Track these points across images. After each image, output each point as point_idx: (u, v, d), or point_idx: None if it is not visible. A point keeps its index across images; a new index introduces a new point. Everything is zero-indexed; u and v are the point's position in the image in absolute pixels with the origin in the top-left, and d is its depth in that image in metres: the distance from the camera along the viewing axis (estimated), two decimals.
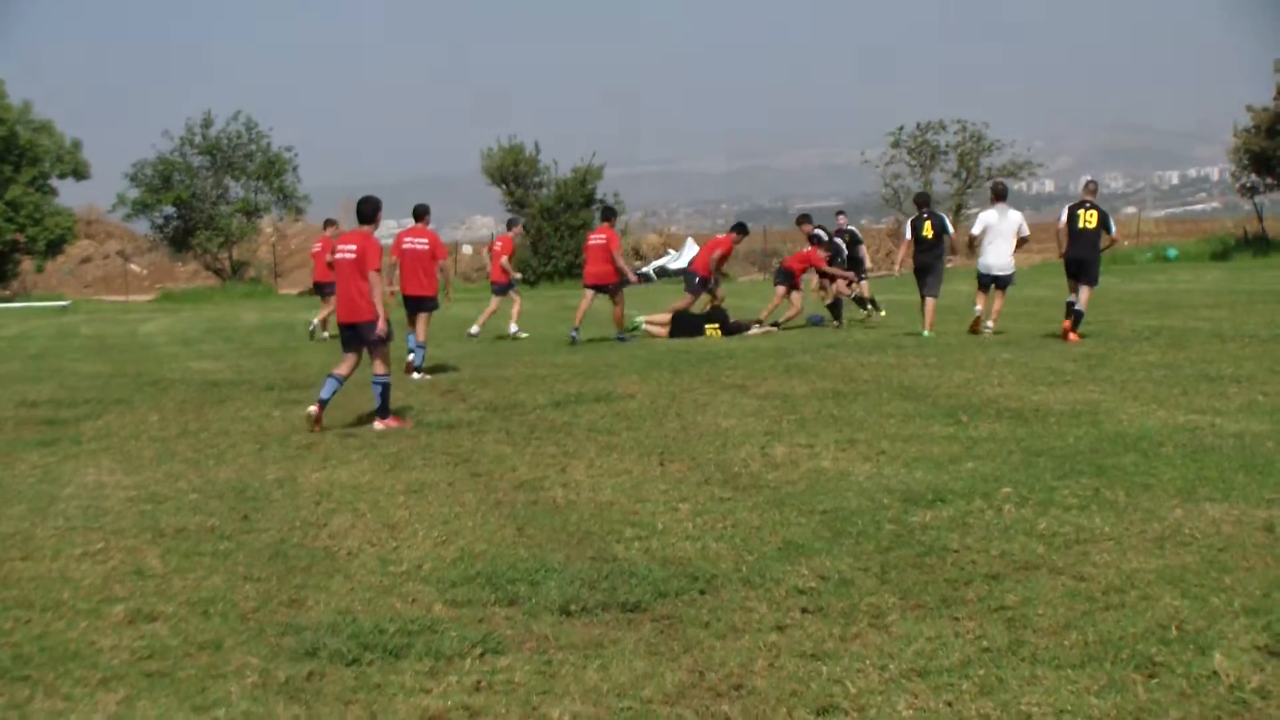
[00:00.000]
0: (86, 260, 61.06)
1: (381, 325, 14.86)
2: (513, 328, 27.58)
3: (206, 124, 51.92)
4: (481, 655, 6.63)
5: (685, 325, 25.38)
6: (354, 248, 15.22)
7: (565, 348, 25.13)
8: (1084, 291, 20.71)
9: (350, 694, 6.13)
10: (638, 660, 6.51)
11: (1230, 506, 9.31)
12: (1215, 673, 6.03)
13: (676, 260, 54.92)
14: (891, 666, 6.27)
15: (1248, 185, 54.44)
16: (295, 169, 53.81)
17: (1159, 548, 8.24)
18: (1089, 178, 23.75)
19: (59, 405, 17.70)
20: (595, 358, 22.29)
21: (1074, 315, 21.31)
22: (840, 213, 29.62)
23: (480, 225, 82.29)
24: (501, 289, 27.33)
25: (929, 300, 23.29)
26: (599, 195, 54.41)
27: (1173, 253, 54.04)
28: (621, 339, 24.37)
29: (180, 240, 52.14)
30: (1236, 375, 16.28)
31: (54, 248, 54.24)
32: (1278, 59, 52.98)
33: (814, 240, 26.49)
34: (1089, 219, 21.65)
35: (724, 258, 26.81)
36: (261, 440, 14.25)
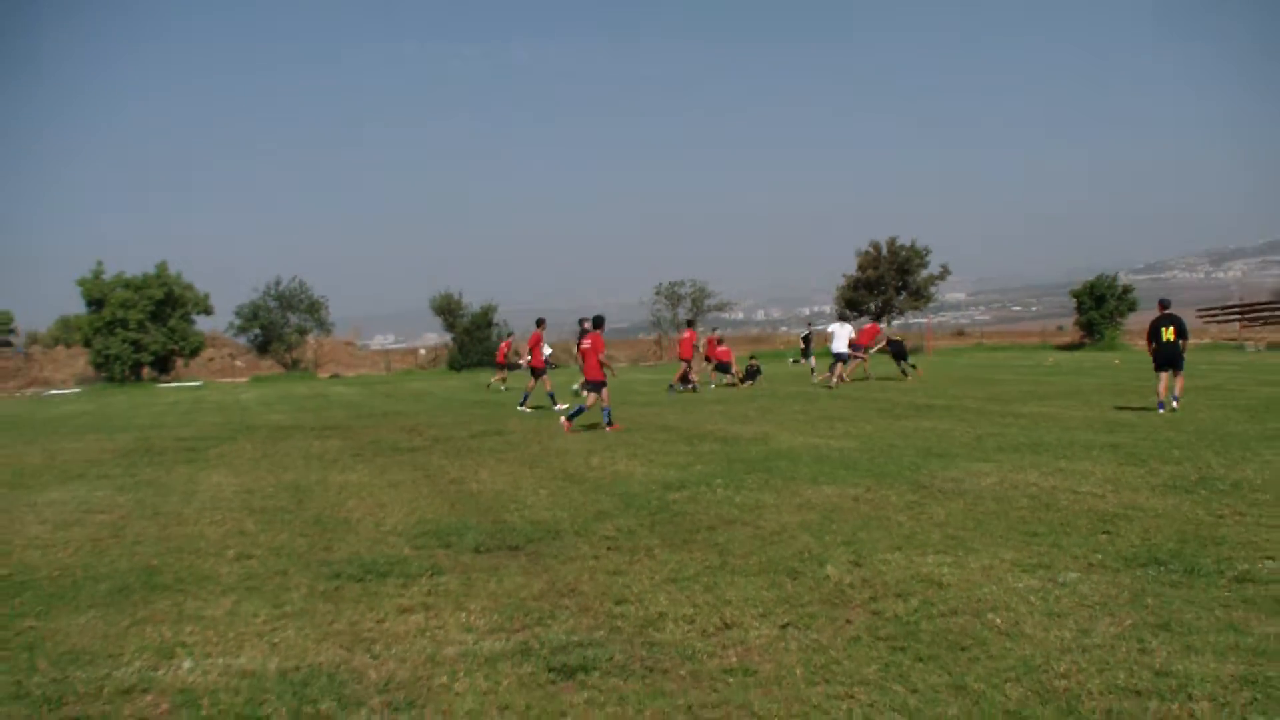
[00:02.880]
0: (211, 360, 69.54)
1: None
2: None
3: (278, 283, 63.44)
4: (431, 575, 8.04)
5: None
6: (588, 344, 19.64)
7: (473, 404, 28.74)
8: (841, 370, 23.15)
9: (358, 597, 7.47)
10: (518, 576, 7.87)
11: (837, 487, 11.26)
12: (828, 576, 7.46)
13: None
14: (656, 577, 7.64)
15: (843, 316, 58.66)
16: (327, 306, 64.90)
17: (799, 510, 10.01)
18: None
19: (196, 439, 20.89)
20: (493, 412, 25.13)
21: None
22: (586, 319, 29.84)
23: (428, 336, 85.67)
24: (539, 372, 26.00)
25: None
26: (495, 321, 60.71)
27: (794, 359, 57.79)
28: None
29: (263, 347, 62.97)
30: (841, 417, 19.35)
31: (194, 352, 62.85)
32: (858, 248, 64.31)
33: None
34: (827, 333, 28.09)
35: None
36: (307, 458, 16.61)
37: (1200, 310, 69.13)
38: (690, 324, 33.75)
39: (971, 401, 22.74)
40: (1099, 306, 60.50)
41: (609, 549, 8.73)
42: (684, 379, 31.30)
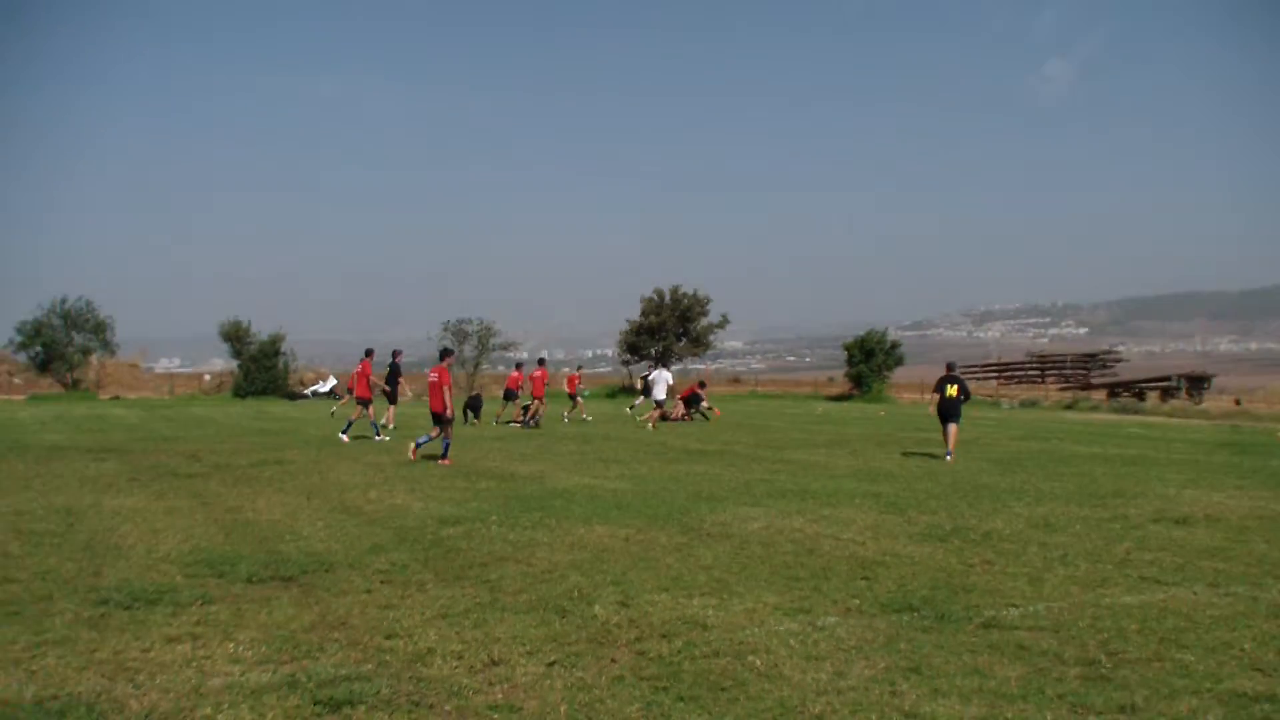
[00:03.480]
0: None
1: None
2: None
3: (63, 301, 58.71)
4: (201, 604, 7.78)
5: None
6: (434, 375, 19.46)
7: (255, 432, 27.68)
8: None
9: (125, 625, 7.16)
10: (289, 608, 7.68)
11: (609, 528, 11.37)
12: (596, 615, 7.50)
13: (324, 387, 58.18)
14: (427, 612, 7.55)
15: (625, 360, 63.65)
16: (113, 327, 60.04)
17: (570, 549, 10.06)
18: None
19: None
20: (274, 440, 24.32)
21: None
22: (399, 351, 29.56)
23: (215, 362, 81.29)
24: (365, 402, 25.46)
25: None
26: (283, 350, 58.40)
27: (586, 393, 58.78)
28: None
29: (43, 365, 58.23)
30: (616, 459, 19.59)
31: None
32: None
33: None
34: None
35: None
36: (82, 480, 15.70)
37: (961, 368, 72.48)
38: (541, 362, 33.52)
39: (743, 447, 23.26)
40: (868, 360, 61.85)
41: (382, 582, 8.62)
42: (532, 416, 31.34)
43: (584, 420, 34.80)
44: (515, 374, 34.00)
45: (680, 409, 34.89)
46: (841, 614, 7.67)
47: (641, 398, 41.21)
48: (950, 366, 22.49)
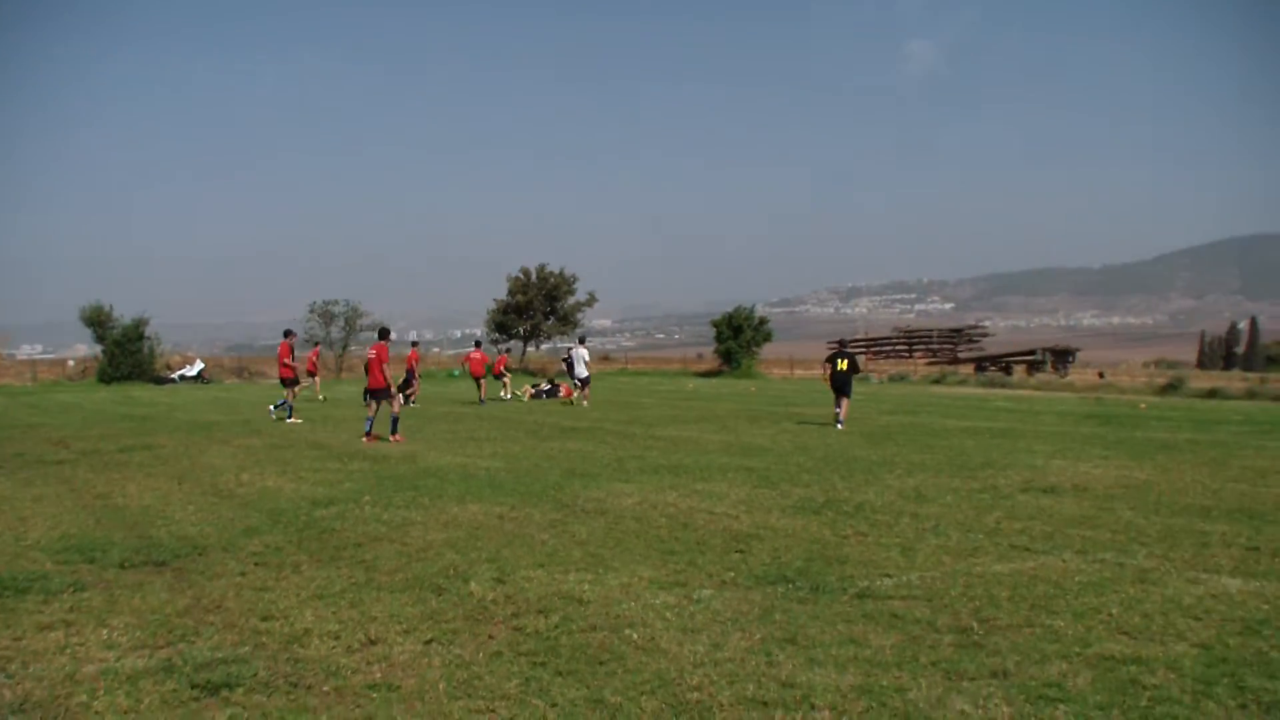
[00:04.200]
0: None
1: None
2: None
3: None
4: (73, 591, 7.48)
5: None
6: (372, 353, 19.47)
7: (122, 418, 26.26)
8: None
9: None
10: (163, 593, 7.43)
11: (482, 506, 11.24)
12: (472, 592, 7.35)
13: (192, 370, 55.46)
14: (304, 593, 7.38)
15: (494, 339, 63.44)
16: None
17: (445, 528, 9.92)
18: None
19: None
20: (142, 425, 23.31)
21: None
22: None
23: (78, 348, 76.51)
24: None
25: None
26: (148, 334, 54.53)
27: (456, 372, 57.69)
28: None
29: None
30: (488, 437, 19.41)
31: None
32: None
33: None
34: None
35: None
36: None
37: (830, 343, 72.90)
38: (478, 344, 34.21)
39: (614, 424, 23.11)
40: (736, 336, 61.11)
41: (256, 565, 8.41)
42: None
43: (505, 400, 34.35)
44: (476, 353, 34.13)
45: (531, 389, 35.05)
46: (717, 587, 7.59)
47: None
48: (841, 343, 23.98)
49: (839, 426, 21.68)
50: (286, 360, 24.91)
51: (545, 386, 35.98)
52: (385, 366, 19.46)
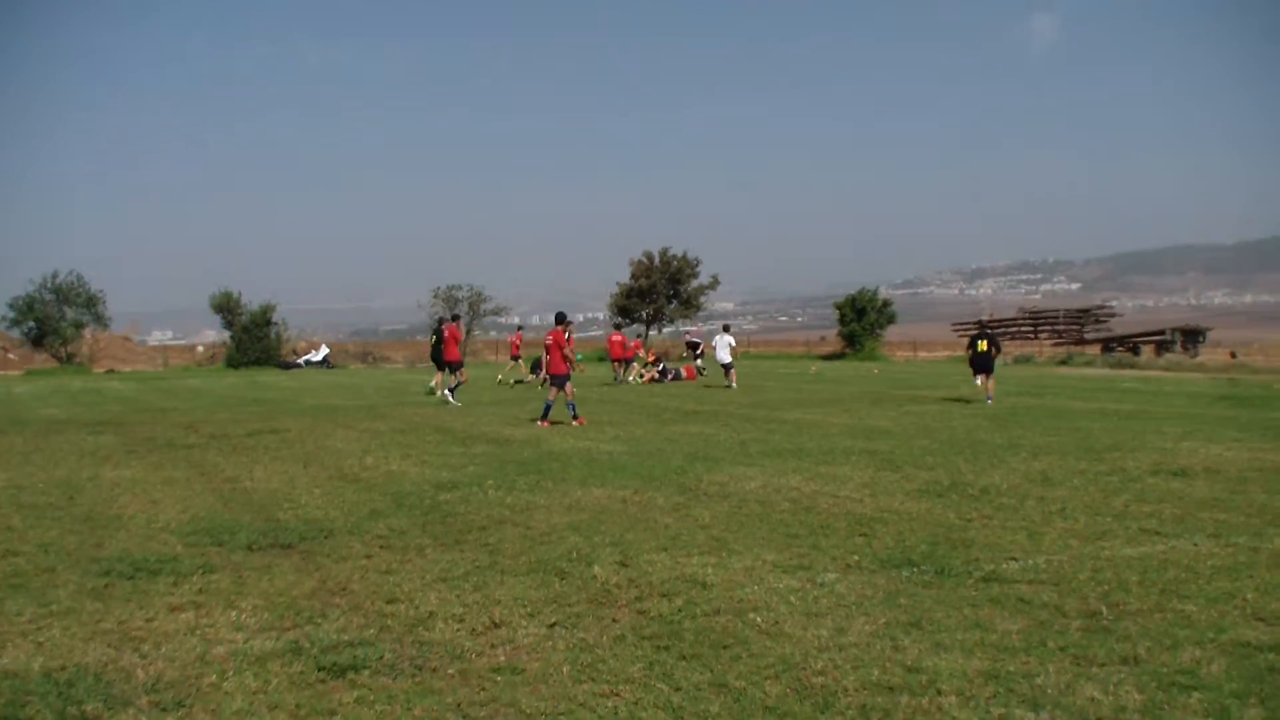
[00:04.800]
0: None
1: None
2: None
3: (55, 276, 56.63)
4: (203, 573, 7.61)
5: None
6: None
7: (250, 402, 27.32)
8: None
9: (128, 595, 7.00)
10: (290, 575, 7.52)
11: (606, 489, 11.16)
12: (596, 576, 7.29)
13: (317, 355, 57.97)
14: (428, 576, 7.40)
15: (616, 323, 61.04)
16: (104, 301, 57.90)
17: (568, 511, 9.87)
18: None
19: None
20: (269, 409, 24.07)
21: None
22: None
23: (207, 334, 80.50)
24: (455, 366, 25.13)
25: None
26: (275, 320, 57.46)
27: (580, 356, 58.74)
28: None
29: (37, 341, 56.51)
30: (611, 421, 19.28)
31: None
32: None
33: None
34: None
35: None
36: (80, 453, 15.40)
37: (954, 325, 70.41)
38: (618, 327, 36.35)
39: (737, 408, 22.83)
40: (860, 319, 60.19)
41: (381, 548, 8.45)
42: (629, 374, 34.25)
43: (627, 382, 34.28)
44: (516, 337, 35.60)
45: (653, 373, 34.87)
46: (841, 570, 7.46)
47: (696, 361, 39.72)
48: (982, 325, 26.88)
49: (989, 402, 22.81)
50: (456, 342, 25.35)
51: (664, 369, 35.77)
52: (566, 350, 19.59)
